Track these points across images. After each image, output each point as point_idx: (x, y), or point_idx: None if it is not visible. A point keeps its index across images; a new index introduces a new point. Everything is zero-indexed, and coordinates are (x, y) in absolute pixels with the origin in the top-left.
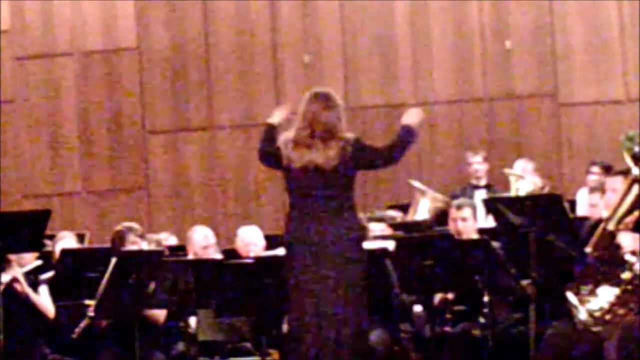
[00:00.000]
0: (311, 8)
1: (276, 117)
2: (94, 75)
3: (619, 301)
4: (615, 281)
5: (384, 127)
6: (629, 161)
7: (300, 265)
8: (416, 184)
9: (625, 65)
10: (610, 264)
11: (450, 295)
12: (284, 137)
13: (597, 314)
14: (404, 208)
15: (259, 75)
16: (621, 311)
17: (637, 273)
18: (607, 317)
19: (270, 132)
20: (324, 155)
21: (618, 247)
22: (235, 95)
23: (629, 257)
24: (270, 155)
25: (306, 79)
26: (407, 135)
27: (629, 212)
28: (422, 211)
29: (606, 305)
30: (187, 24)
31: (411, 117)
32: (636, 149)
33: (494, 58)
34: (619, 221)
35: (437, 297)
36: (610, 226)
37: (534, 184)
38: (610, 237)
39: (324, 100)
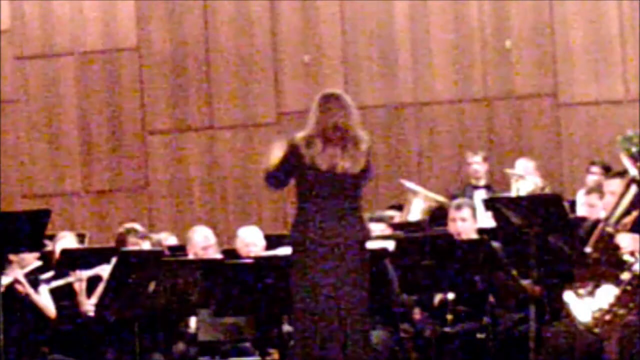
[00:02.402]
0: (311, 8)
1: (276, 154)
2: (94, 75)
3: (619, 302)
4: (615, 282)
5: (384, 127)
6: (626, 162)
7: (307, 264)
8: (408, 184)
9: (625, 65)
10: (609, 264)
11: (450, 296)
12: (303, 137)
13: (597, 314)
14: (402, 208)
15: (259, 75)
16: (621, 311)
17: (636, 273)
18: (607, 317)
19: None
20: (354, 162)
21: (616, 247)
22: (235, 95)
23: (627, 258)
24: (282, 171)
25: (306, 79)
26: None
27: (627, 212)
28: (415, 211)
29: (606, 306)
30: (187, 24)
31: None
32: (634, 149)
33: (494, 58)
34: (617, 222)
35: (437, 298)
36: (609, 227)
37: (535, 184)
38: (608, 238)
39: (345, 103)
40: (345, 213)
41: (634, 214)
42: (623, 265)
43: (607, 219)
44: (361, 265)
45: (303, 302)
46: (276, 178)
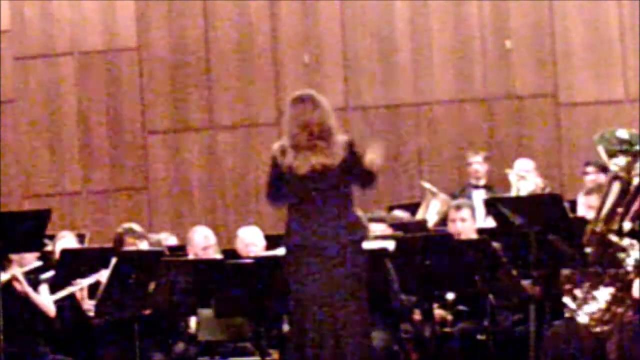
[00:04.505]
0: (311, 8)
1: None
2: (94, 75)
3: (616, 300)
4: (610, 280)
5: (384, 127)
6: (605, 158)
7: (303, 266)
8: (427, 185)
9: (625, 65)
10: (603, 263)
11: (450, 296)
12: (278, 146)
13: (596, 315)
14: (409, 208)
15: (259, 75)
16: (619, 309)
17: (629, 269)
18: (606, 316)
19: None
20: (329, 154)
21: (609, 246)
22: (235, 95)
23: (621, 255)
24: (273, 187)
25: (306, 79)
26: (374, 178)
27: (613, 210)
28: (432, 212)
29: (603, 305)
30: (187, 24)
31: (376, 157)
32: (610, 146)
33: (494, 58)
34: (606, 221)
35: (437, 314)
36: (598, 228)
37: (536, 184)
38: (600, 238)
39: (310, 101)
40: (335, 214)
41: (636, 204)
42: (617, 264)
43: (595, 220)
44: (357, 267)
45: (298, 309)
46: (272, 196)
